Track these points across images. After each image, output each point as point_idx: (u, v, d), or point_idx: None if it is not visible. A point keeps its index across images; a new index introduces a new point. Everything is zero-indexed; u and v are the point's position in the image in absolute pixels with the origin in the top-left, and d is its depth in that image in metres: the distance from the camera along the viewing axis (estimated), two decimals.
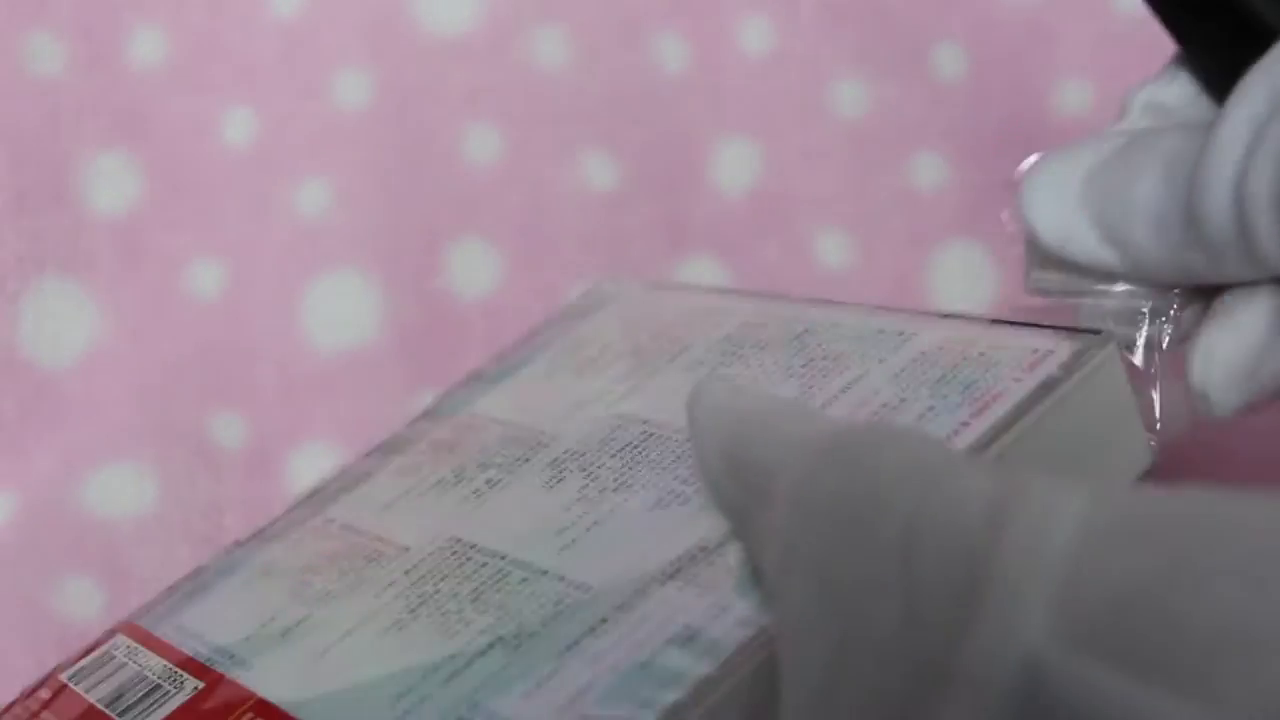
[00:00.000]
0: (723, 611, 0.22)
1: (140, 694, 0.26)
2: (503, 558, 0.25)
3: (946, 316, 0.29)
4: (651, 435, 0.27)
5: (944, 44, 0.45)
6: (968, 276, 0.44)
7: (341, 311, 0.43)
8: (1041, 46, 0.45)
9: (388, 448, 0.32)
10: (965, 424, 0.24)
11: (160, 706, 0.25)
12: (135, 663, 0.27)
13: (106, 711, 0.26)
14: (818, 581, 0.19)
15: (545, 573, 0.24)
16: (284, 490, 0.41)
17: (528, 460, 0.28)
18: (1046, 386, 0.25)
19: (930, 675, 0.17)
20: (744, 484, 0.22)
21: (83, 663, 0.29)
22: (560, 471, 0.27)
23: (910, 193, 0.44)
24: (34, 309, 0.41)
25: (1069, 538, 0.16)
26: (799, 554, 0.19)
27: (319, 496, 0.31)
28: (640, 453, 0.27)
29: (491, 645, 0.23)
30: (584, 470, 0.27)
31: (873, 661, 0.18)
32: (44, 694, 0.28)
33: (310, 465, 0.42)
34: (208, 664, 0.26)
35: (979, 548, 0.17)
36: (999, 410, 0.24)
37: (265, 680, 0.25)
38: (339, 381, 0.42)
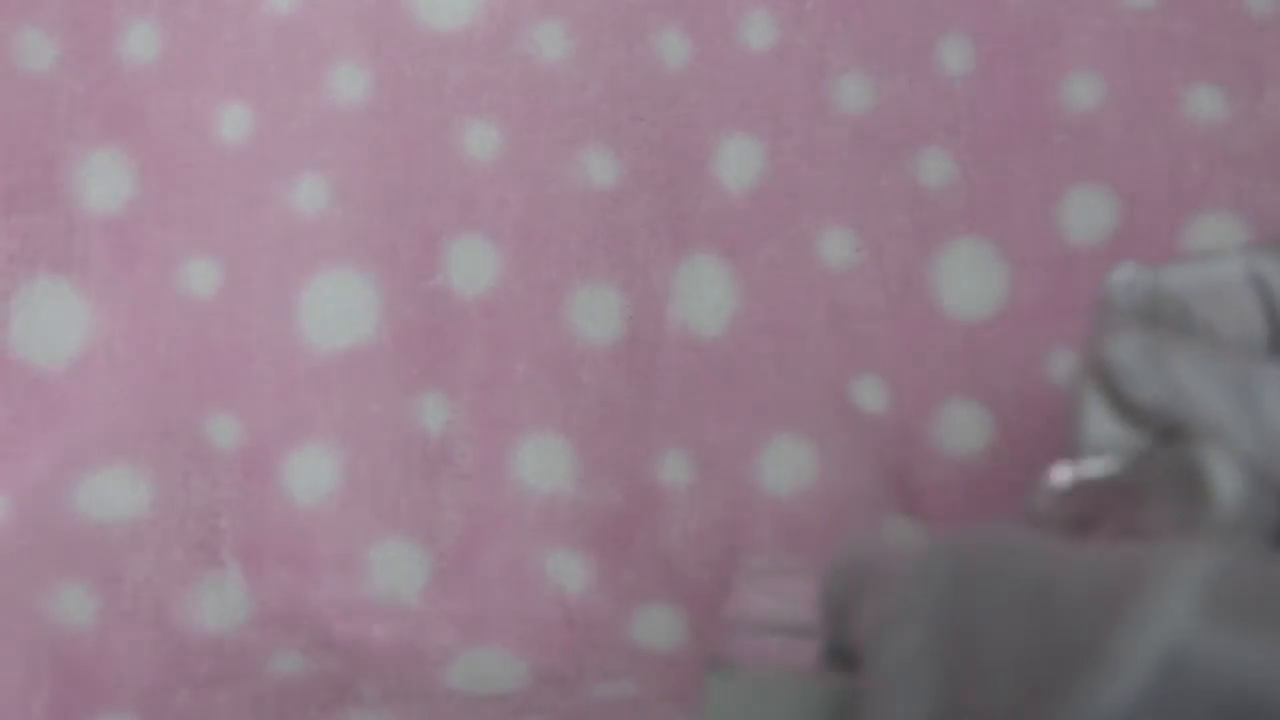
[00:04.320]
0: None
1: None
2: None
3: None
4: None
5: (950, 37, 0.45)
6: (975, 274, 0.43)
7: (339, 310, 0.42)
8: (1050, 40, 0.44)
9: None
10: None
11: None
12: None
13: None
14: (928, 635, 0.20)
15: None
16: (281, 492, 0.41)
17: None
18: None
19: (1062, 672, 0.18)
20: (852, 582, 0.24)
21: None
22: None
23: (916, 189, 0.44)
24: (26, 309, 0.41)
25: (1216, 556, 0.18)
26: (916, 607, 0.20)
27: None
28: None
29: None
30: None
31: (995, 680, 0.19)
32: None
33: (308, 466, 0.41)
34: None
35: (1123, 582, 0.18)
36: None
37: None
38: (337, 381, 0.42)
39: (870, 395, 0.43)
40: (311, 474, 0.41)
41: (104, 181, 0.42)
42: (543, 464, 0.42)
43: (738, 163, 0.44)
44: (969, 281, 0.43)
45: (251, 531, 0.40)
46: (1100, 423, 0.26)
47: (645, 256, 0.43)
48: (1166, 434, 0.25)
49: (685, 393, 0.43)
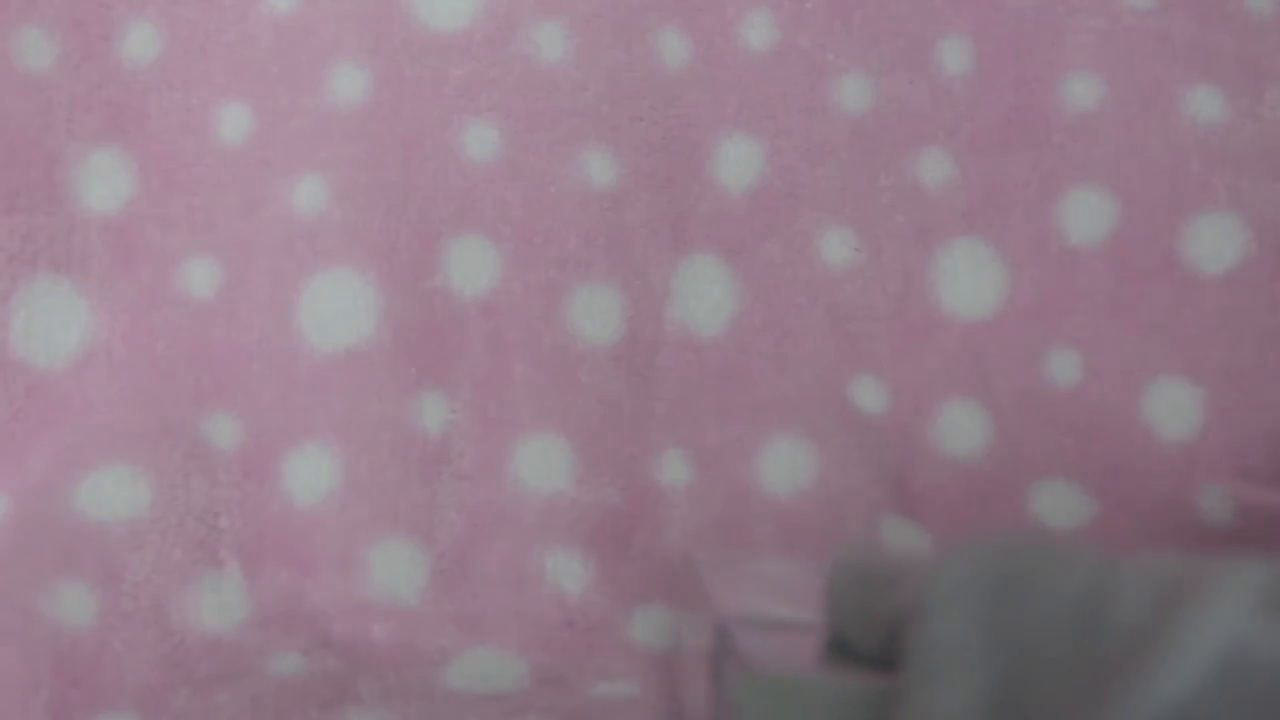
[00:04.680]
0: None
1: None
2: None
3: None
4: None
5: (950, 38, 0.45)
6: (974, 274, 0.43)
7: (338, 310, 0.42)
8: (1049, 40, 0.45)
9: None
10: None
11: None
12: None
13: None
14: (977, 622, 0.20)
15: None
16: (281, 492, 0.41)
17: None
18: None
19: (1120, 667, 0.18)
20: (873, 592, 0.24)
21: None
22: None
23: (915, 189, 0.44)
24: (25, 308, 0.41)
25: (1267, 574, 0.18)
26: (958, 602, 0.20)
27: None
28: None
29: None
30: None
31: (1049, 676, 0.19)
32: None
33: (307, 466, 0.41)
34: None
35: (1177, 586, 0.18)
36: None
37: None
38: (336, 381, 0.42)
39: (869, 395, 0.43)
40: (311, 474, 0.41)
41: (104, 181, 0.42)
42: (542, 464, 0.42)
43: (737, 163, 0.44)
44: (968, 281, 0.43)
45: (251, 531, 0.40)
46: None
47: (645, 256, 0.43)
48: None
49: (685, 393, 0.43)
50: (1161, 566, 0.19)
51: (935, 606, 0.20)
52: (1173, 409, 0.42)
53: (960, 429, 0.43)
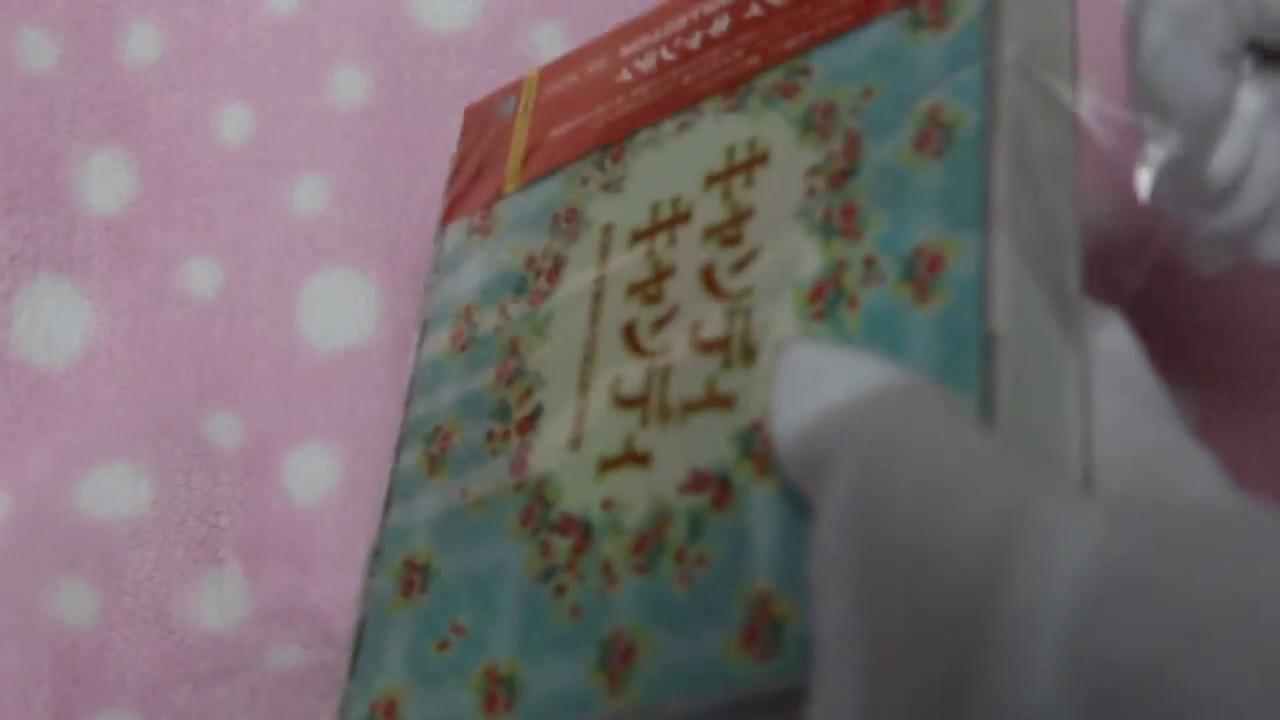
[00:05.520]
0: None
1: None
2: None
3: None
4: None
5: None
6: None
7: (338, 309, 0.42)
8: None
9: None
10: None
11: None
12: None
13: None
14: (854, 599, 0.19)
15: None
16: (281, 490, 0.41)
17: None
18: None
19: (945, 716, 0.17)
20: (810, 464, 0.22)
21: None
22: None
23: None
24: (28, 308, 0.41)
25: (1077, 587, 0.17)
26: (835, 569, 0.20)
27: None
28: None
29: None
30: None
31: (901, 689, 0.18)
32: None
33: (307, 465, 0.41)
34: None
35: (985, 585, 0.17)
36: None
37: None
38: (336, 380, 0.42)
39: None
40: (311, 472, 0.41)
41: (105, 182, 0.42)
42: None
43: None
44: None
45: (251, 529, 0.41)
46: None
47: None
48: None
49: None
50: (970, 542, 0.18)
51: (820, 589, 0.20)
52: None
53: None
